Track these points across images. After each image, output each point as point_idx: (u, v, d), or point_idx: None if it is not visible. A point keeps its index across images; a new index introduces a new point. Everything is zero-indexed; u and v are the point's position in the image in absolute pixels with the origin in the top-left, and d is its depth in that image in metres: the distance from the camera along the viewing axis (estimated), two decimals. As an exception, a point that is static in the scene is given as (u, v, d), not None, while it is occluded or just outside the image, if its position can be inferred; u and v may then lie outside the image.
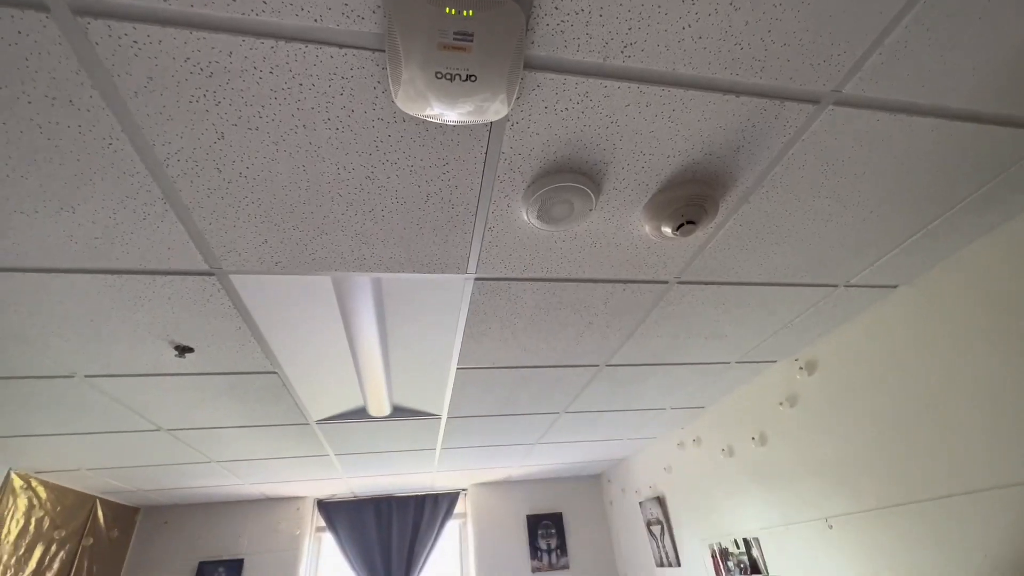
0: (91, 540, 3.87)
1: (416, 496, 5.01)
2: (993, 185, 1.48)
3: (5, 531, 3.08)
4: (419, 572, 4.69)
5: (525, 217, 1.37)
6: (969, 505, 1.77)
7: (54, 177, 1.11)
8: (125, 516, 4.37)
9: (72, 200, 1.18)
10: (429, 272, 1.58)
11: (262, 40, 0.88)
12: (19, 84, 0.92)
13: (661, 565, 4.06)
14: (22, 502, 3.23)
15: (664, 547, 4.00)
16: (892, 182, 1.42)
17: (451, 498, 5.05)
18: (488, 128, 1.10)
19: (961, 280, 1.81)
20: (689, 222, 1.35)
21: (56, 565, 3.49)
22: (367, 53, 0.92)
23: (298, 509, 4.80)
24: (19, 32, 0.84)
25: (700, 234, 1.55)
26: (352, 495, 4.91)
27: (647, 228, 1.45)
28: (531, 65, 0.98)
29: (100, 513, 4.01)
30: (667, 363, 2.51)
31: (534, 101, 1.05)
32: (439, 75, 0.88)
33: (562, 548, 4.96)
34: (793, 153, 1.27)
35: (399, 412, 2.85)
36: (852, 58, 1.04)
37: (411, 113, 0.97)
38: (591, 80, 1.02)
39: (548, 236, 1.48)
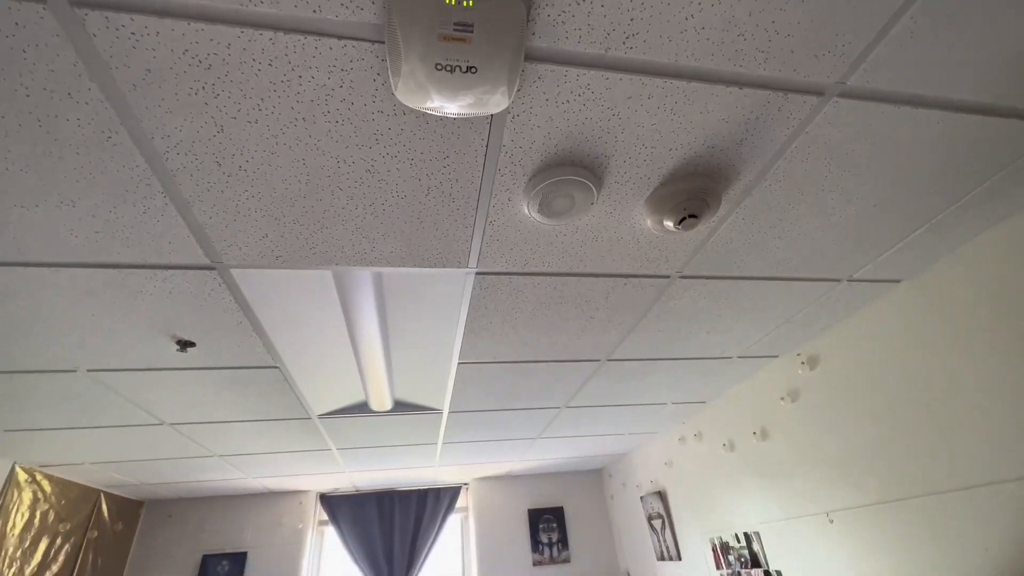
0: (96, 533, 3.90)
1: (418, 490, 5.03)
2: (998, 179, 1.47)
3: (10, 524, 3.11)
4: (421, 566, 4.72)
5: (526, 211, 1.36)
6: (970, 500, 1.77)
7: (54, 171, 1.11)
8: (129, 510, 4.40)
9: (72, 194, 1.17)
10: (430, 266, 1.58)
11: (260, 31, 0.88)
12: (17, 77, 0.91)
13: (662, 559, 4.08)
14: (27, 495, 3.25)
15: (665, 541, 4.02)
16: (896, 175, 1.40)
17: (453, 492, 5.08)
18: (489, 121, 1.10)
19: (965, 275, 1.80)
20: (691, 216, 1.34)
21: (61, 558, 3.52)
22: (366, 45, 0.92)
23: (301, 503, 4.82)
24: (16, 24, 0.83)
25: (702, 228, 1.55)
26: (354, 489, 4.94)
27: (649, 222, 1.44)
28: (532, 56, 0.97)
29: (104, 507, 4.04)
30: (668, 358, 2.51)
31: (535, 93, 1.04)
32: (439, 67, 0.87)
33: (563, 542, 4.98)
34: (796, 146, 1.26)
35: (401, 407, 2.85)
36: (857, 49, 1.03)
37: (411, 106, 0.96)
38: (593, 72, 1.01)
39: (549, 230, 1.47)
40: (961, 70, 1.10)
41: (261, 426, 2.93)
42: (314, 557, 4.74)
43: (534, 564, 4.83)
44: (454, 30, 0.83)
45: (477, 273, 1.65)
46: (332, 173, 1.19)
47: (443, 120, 1.08)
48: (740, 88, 1.08)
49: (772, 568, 2.79)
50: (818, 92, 1.12)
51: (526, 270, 1.66)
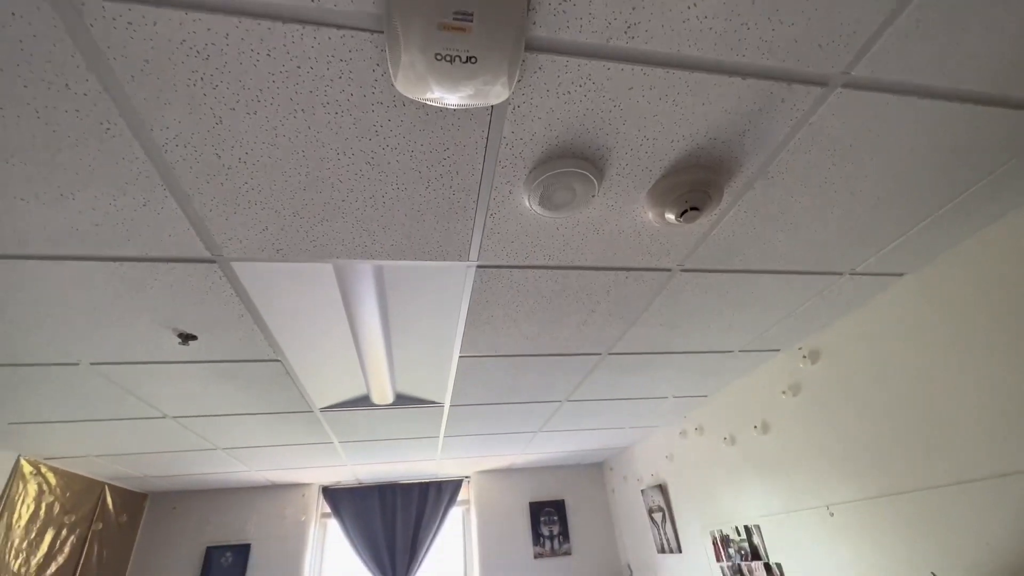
0: (100, 525, 3.94)
1: (420, 483, 5.05)
2: (1004, 171, 1.46)
3: (16, 516, 3.13)
4: (423, 558, 4.75)
5: (527, 203, 1.36)
6: (970, 494, 1.77)
7: (53, 163, 1.10)
8: (134, 502, 4.44)
9: (72, 187, 1.17)
10: (430, 259, 1.58)
11: (259, 21, 0.87)
12: (14, 68, 0.91)
13: (662, 551, 4.10)
14: (32, 487, 3.28)
15: (665, 534, 4.03)
16: (900, 168, 1.39)
17: (454, 485, 5.10)
18: (489, 112, 1.09)
19: (968, 269, 1.79)
20: (693, 208, 1.33)
21: (67, 549, 3.56)
22: (366, 35, 0.91)
23: (303, 495, 4.85)
24: (13, 14, 0.82)
25: (704, 221, 1.54)
26: (357, 482, 4.96)
27: (650, 215, 1.43)
28: (533, 47, 0.96)
29: (109, 499, 4.07)
30: (670, 352, 2.51)
31: (536, 84, 1.03)
32: (439, 57, 0.87)
33: (564, 535, 5.01)
34: (800, 138, 1.25)
35: (402, 400, 2.86)
36: (862, 39, 1.01)
37: (411, 97, 0.95)
38: (594, 62, 1.00)
39: (550, 223, 1.47)
40: (969, 60, 1.09)
41: (263, 419, 2.94)
42: (317, 549, 4.78)
43: (535, 557, 4.86)
44: (454, 19, 0.82)
45: (478, 266, 1.65)
46: (332, 165, 1.18)
47: (443, 111, 1.08)
48: (743, 78, 1.07)
49: (772, 561, 2.80)
50: (822, 83, 1.11)
51: (527, 263, 1.66)
